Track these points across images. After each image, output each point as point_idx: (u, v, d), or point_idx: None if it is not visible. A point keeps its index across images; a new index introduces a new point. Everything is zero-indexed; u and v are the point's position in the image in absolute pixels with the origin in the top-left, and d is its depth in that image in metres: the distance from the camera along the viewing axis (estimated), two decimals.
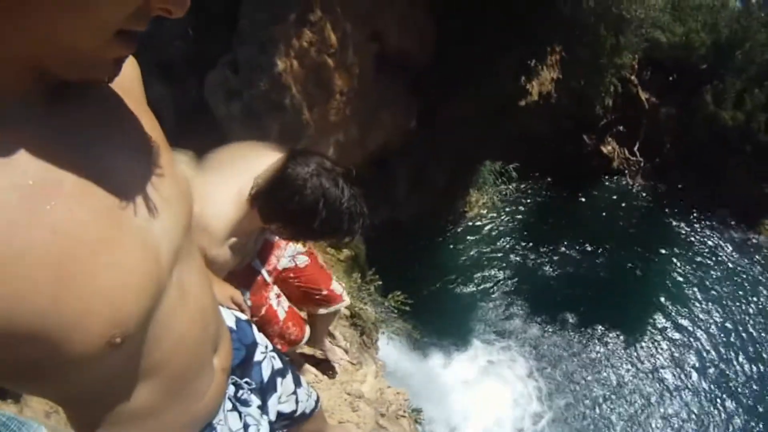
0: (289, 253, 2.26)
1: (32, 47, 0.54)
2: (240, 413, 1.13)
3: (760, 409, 9.89)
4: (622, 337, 10.71)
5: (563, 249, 12.30)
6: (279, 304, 2.18)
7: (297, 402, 1.49)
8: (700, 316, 11.30)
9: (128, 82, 0.77)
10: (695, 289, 11.81)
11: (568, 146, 13.37)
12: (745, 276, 12.30)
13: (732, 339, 10.97)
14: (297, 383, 1.50)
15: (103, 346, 0.65)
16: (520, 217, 12.96)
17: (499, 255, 12.00)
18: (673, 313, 11.26)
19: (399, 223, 10.16)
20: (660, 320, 11.14)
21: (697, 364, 10.47)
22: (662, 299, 11.50)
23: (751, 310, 11.55)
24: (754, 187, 13.41)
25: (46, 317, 0.59)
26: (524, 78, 10.23)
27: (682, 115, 13.61)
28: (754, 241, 13.22)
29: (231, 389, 1.14)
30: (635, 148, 14.48)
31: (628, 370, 10.25)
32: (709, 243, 13.02)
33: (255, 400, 1.22)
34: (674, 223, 13.43)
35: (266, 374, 1.32)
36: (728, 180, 13.44)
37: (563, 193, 13.56)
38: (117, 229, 0.66)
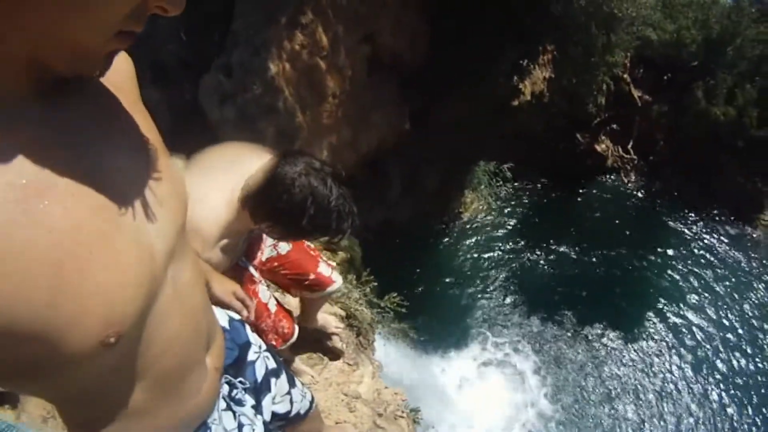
0: (269, 243, 2.26)
1: (28, 46, 0.54)
2: (234, 413, 1.13)
3: (758, 404, 9.92)
4: (618, 335, 10.73)
5: (559, 248, 12.33)
6: (269, 298, 2.19)
7: (291, 402, 1.49)
8: (697, 311, 11.34)
9: (123, 80, 0.77)
10: (691, 285, 11.85)
11: (561, 145, 13.41)
12: (740, 271, 12.35)
13: (728, 334, 11.01)
14: (291, 383, 1.50)
15: (98, 346, 0.65)
16: (515, 216, 12.98)
17: (495, 255, 12.02)
18: (669, 311, 11.30)
19: (394, 224, 10.17)
20: (656, 317, 11.18)
21: (693, 360, 10.50)
22: (658, 296, 11.54)
23: (747, 305, 11.60)
24: (748, 183, 13.48)
25: (42, 317, 0.59)
26: (517, 78, 10.25)
27: (675, 112, 13.68)
28: (748, 236, 13.28)
29: (225, 389, 1.15)
30: (629, 146, 14.54)
31: (624, 368, 10.27)
32: (704, 238, 13.08)
33: (249, 400, 1.22)
34: (669, 220, 13.48)
35: (260, 374, 1.32)
36: (721, 176, 13.51)
37: (558, 192, 13.59)
38: (113, 229, 0.66)
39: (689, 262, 12.44)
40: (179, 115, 6.57)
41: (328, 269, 2.37)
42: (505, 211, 12.99)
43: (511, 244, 12.32)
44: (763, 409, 9.86)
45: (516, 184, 13.28)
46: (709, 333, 10.96)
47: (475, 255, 11.91)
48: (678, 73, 13.66)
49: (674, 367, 10.37)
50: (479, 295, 11.17)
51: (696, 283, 11.90)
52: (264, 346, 1.40)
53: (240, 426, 1.13)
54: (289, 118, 7.16)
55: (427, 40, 8.85)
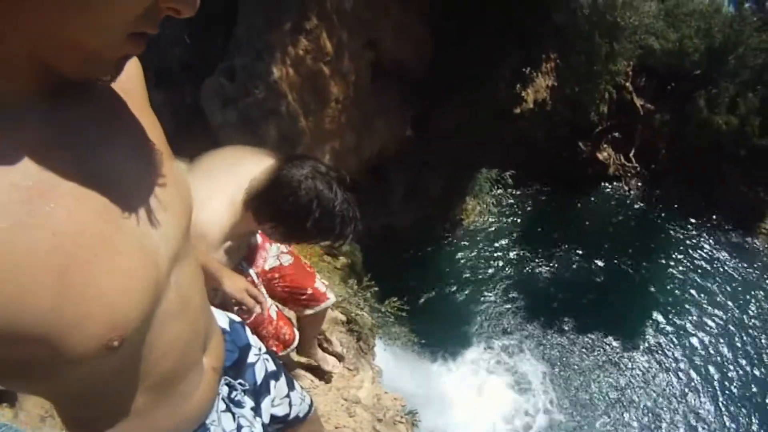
0: (273, 253, 2.29)
1: (29, 46, 0.53)
2: (233, 414, 1.13)
3: (758, 412, 9.89)
4: (618, 343, 10.71)
5: (560, 255, 12.31)
6: (270, 305, 2.19)
7: (290, 405, 1.49)
8: (697, 320, 11.31)
9: (131, 82, 0.77)
10: (691, 293, 11.83)
11: (563, 153, 13.42)
12: (742, 279, 12.32)
13: (730, 342, 10.97)
14: (290, 386, 1.50)
15: (101, 349, 0.64)
16: (516, 223, 12.97)
17: (496, 261, 12.01)
18: (669, 318, 11.27)
19: (395, 230, 10.17)
20: (656, 325, 11.15)
21: (692, 368, 10.47)
22: (660, 305, 11.51)
23: (748, 314, 11.56)
24: (750, 192, 13.46)
25: (46, 320, 0.58)
26: (519, 85, 10.29)
27: (677, 120, 13.67)
28: (750, 245, 13.25)
29: (225, 390, 1.14)
30: (631, 154, 14.54)
31: (624, 376, 10.25)
32: (706, 247, 13.05)
33: (248, 402, 1.22)
34: (670, 228, 13.46)
35: (260, 376, 1.32)
36: (723, 185, 13.49)
37: (559, 200, 13.59)
38: (117, 233, 0.66)
39: (690, 270, 12.41)
40: (181, 118, 6.60)
41: (323, 286, 2.42)
42: (507, 217, 12.99)
43: (512, 250, 12.31)
44: (765, 417, 9.82)
45: (517, 191, 13.28)
46: (709, 341, 10.93)
47: (476, 261, 11.90)
48: (680, 81, 13.66)
49: (673, 375, 10.34)
50: (480, 301, 11.16)
51: (697, 292, 11.87)
52: (264, 349, 1.40)
53: (239, 427, 1.13)
54: (291, 122, 7.18)
55: (430, 48, 8.88)
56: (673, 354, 10.68)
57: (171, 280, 0.79)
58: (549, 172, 13.30)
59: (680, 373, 10.39)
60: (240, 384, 1.21)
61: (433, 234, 11.63)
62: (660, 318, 11.28)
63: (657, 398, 9.97)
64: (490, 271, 11.81)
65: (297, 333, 2.34)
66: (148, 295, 0.71)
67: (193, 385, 0.95)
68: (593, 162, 14.10)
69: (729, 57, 13.07)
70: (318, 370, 2.99)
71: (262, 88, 6.84)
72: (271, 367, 1.40)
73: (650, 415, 9.73)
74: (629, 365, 10.41)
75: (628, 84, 13.59)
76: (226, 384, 1.16)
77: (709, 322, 11.30)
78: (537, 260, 12.17)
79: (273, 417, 1.40)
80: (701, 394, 10.11)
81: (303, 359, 2.91)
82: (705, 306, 11.61)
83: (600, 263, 12.22)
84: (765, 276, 12.44)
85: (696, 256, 12.83)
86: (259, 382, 1.32)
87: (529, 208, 13.41)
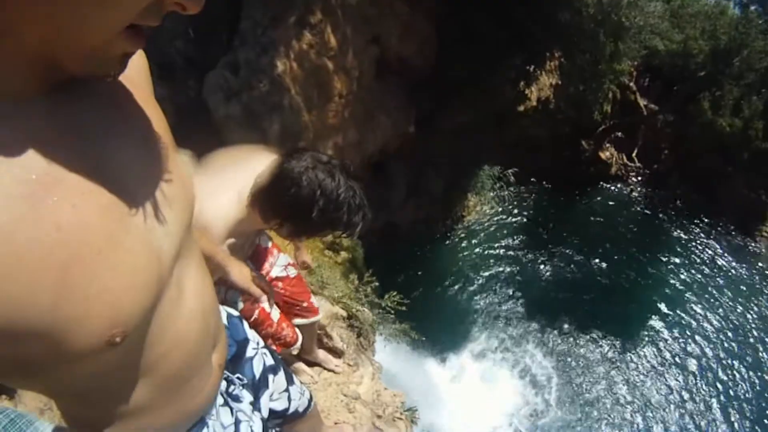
0: (281, 263, 2.31)
1: (39, 40, 0.52)
2: (231, 408, 1.13)
3: (758, 413, 9.90)
4: (618, 342, 10.72)
5: (561, 253, 12.31)
6: (272, 307, 2.19)
7: (289, 400, 1.49)
8: (698, 320, 11.31)
9: (136, 75, 0.76)
10: (692, 294, 11.83)
11: (566, 152, 13.41)
12: (742, 281, 12.32)
13: (729, 343, 10.98)
14: (289, 381, 1.50)
15: (103, 345, 0.64)
16: (518, 221, 12.97)
17: (497, 259, 12.01)
18: (669, 318, 11.28)
19: (397, 226, 10.17)
20: (658, 326, 11.16)
21: (692, 368, 10.48)
22: (660, 305, 11.51)
23: (749, 316, 11.57)
24: (752, 194, 13.45)
25: (48, 316, 0.57)
26: (523, 83, 10.27)
27: (680, 121, 13.65)
28: (751, 247, 13.25)
29: (223, 384, 1.14)
30: (633, 154, 14.53)
31: (626, 375, 10.26)
32: (707, 249, 13.05)
33: (247, 396, 1.22)
34: (672, 230, 13.46)
35: (258, 370, 1.32)
36: (726, 186, 13.47)
37: (561, 198, 13.58)
38: (120, 228, 0.65)
39: (691, 271, 12.41)
40: (183, 111, 6.58)
41: (316, 302, 2.56)
42: (508, 215, 12.98)
43: (513, 248, 12.31)
44: (764, 419, 9.83)
45: (520, 188, 13.26)
46: (709, 342, 10.94)
47: (478, 258, 11.90)
48: (684, 83, 13.63)
49: (673, 375, 10.35)
50: (481, 298, 11.17)
51: (698, 292, 11.87)
52: (262, 343, 1.40)
53: (237, 422, 1.12)
54: (294, 116, 7.16)
55: (434, 46, 8.87)
56: (672, 354, 10.69)
57: (173, 276, 0.78)
58: (551, 170, 13.29)
59: (679, 374, 10.40)
60: (238, 378, 1.21)
61: (434, 230, 11.64)
62: (659, 317, 11.29)
63: (654, 397, 9.99)
64: (491, 268, 11.81)
65: (300, 335, 2.35)
66: (151, 291, 0.70)
67: (201, 382, 0.95)
68: (596, 161, 14.09)
69: (734, 59, 13.04)
70: (318, 366, 2.99)
71: (265, 82, 6.82)
72: (270, 361, 1.40)
73: (650, 414, 9.74)
74: (629, 365, 10.42)
75: (632, 84, 13.57)
76: (225, 378, 1.15)
77: (709, 323, 11.31)
78: (537, 258, 12.17)
79: (272, 412, 1.39)
80: (699, 395, 10.12)
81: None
82: (705, 306, 11.62)
83: (600, 262, 12.22)
84: (766, 278, 12.44)
85: (696, 256, 12.83)
86: (257, 376, 1.31)
87: (530, 206, 13.40)
